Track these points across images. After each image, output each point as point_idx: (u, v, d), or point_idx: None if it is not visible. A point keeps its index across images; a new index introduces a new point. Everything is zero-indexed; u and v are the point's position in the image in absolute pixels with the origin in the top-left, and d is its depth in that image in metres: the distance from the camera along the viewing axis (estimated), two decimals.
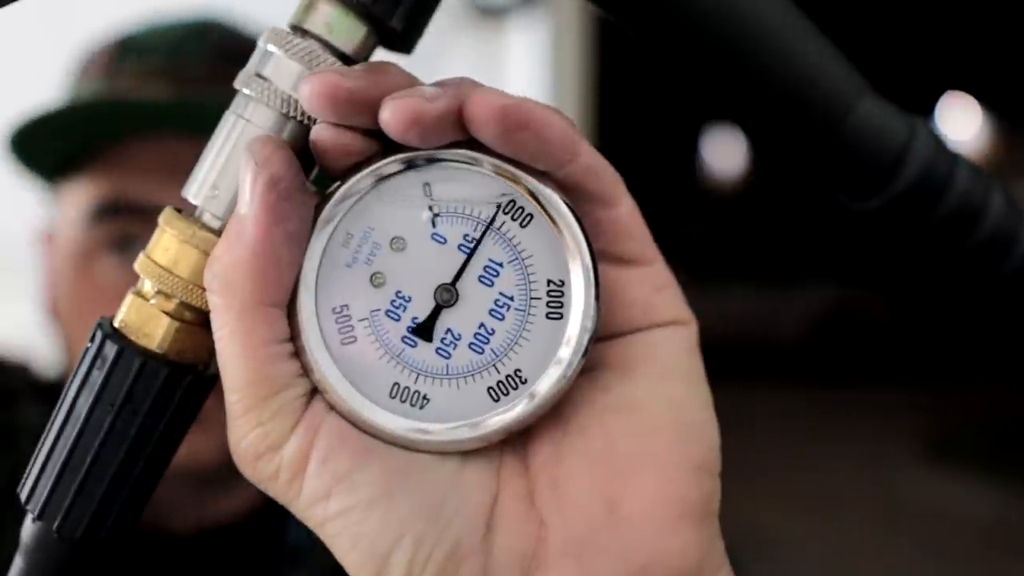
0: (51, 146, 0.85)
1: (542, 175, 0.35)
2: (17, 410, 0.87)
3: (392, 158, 0.34)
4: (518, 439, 0.36)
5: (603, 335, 0.36)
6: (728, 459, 0.37)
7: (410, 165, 0.34)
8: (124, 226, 0.82)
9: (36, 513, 0.36)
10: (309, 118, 0.35)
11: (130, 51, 0.87)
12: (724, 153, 9.10)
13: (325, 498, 0.33)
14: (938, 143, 0.36)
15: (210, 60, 0.85)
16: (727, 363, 3.23)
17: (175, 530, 0.86)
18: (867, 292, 7.46)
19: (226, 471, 0.33)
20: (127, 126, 0.83)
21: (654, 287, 0.36)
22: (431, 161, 0.34)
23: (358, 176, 0.34)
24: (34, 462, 0.36)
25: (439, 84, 0.35)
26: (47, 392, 0.89)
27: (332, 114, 0.33)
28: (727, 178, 9.23)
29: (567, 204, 0.35)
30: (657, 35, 0.35)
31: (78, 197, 0.85)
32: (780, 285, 7.49)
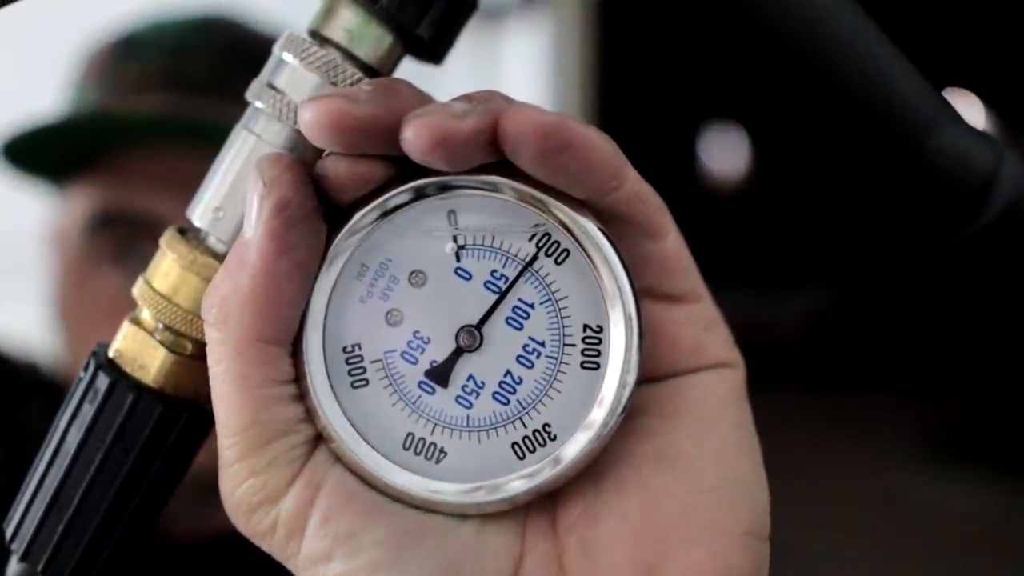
0: (47, 156, 0.83)
1: (578, 204, 0.31)
2: (26, 409, 0.86)
3: (399, 189, 0.31)
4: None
5: (646, 377, 0.32)
6: None
7: (419, 195, 0.31)
8: (123, 236, 0.80)
9: (20, 553, 0.34)
10: None
11: (132, 51, 0.85)
12: (723, 155, 9.08)
13: (326, 560, 0.30)
14: None
15: (216, 60, 0.83)
16: None
17: (176, 538, 0.84)
18: (865, 294, 7.45)
19: None
20: (124, 137, 0.81)
21: (702, 326, 0.33)
22: (444, 189, 0.31)
23: (371, 206, 0.31)
24: (20, 498, 0.35)
25: (466, 99, 0.31)
26: (56, 392, 0.88)
27: (338, 145, 0.30)
28: (726, 179, 9.21)
29: (608, 238, 0.31)
30: (720, 39, 0.31)
31: (77, 204, 0.84)
32: (777, 287, 7.48)
